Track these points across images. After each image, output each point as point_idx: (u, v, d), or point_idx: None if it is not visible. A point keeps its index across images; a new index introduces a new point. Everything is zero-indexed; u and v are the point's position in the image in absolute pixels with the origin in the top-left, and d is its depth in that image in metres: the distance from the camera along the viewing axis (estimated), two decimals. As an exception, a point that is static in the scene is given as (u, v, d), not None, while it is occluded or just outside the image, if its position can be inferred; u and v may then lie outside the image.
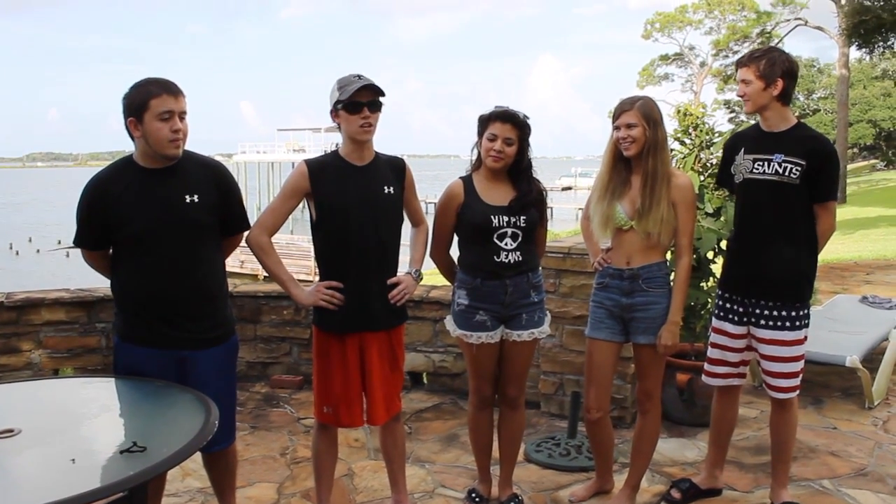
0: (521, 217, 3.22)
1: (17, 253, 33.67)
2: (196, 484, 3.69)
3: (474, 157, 3.31)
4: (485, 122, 3.22)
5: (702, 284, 4.76)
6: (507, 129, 3.17)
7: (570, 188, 65.22)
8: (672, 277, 3.38)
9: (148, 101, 2.68)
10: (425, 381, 5.37)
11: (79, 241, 2.89)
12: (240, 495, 3.59)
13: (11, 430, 2.29)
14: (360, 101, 2.94)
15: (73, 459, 2.16)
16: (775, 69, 3.16)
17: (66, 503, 1.85)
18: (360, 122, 2.96)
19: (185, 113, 2.74)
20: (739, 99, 3.32)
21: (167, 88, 2.70)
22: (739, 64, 3.27)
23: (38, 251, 33.41)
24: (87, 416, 2.57)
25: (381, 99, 3.01)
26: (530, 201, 3.25)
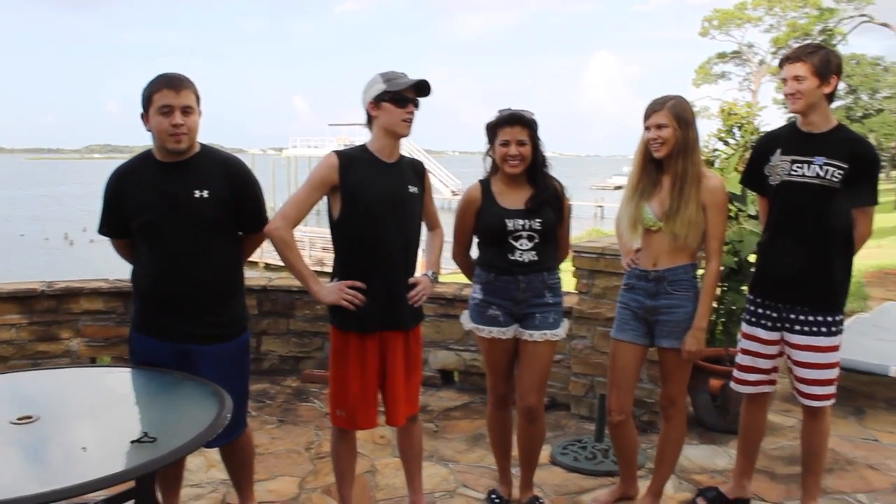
0: (537, 219, 3.18)
1: (72, 243, 34.70)
2: (219, 475, 3.72)
3: (489, 166, 3.29)
4: (493, 128, 3.20)
5: (742, 288, 4.62)
6: (516, 131, 3.14)
7: (621, 187, 64.52)
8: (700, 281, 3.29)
9: (151, 95, 2.73)
10: (456, 379, 5.35)
11: (100, 229, 2.97)
12: (261, 488, 3.62)
13: (30, 417, 2.34)
14: (407, 96, 2.94)
15: (85, 448, 2.19)
16: (830, 66, 3.05)
17: (68, 491, 1.88)
18: (403, 116, 2.94)
19: (189, 108, 2.75)
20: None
21: (169, 83, 2.73)
22: (788, 59, 3.12)
23: (91, 241, 34.28)
24: (104, 406, 2.61)
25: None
26: (546, 199, 3.21)
